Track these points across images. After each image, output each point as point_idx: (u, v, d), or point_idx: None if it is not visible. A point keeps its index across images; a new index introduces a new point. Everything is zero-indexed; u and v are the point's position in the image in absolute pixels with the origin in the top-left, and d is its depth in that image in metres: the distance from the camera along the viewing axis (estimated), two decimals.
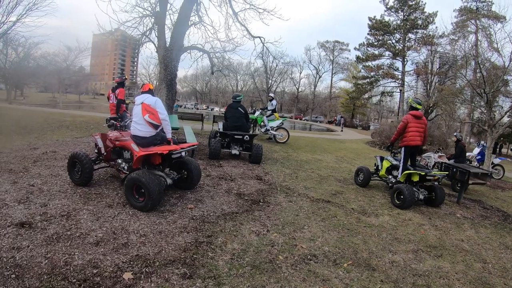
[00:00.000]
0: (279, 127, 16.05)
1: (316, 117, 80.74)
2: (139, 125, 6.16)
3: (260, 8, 15.11)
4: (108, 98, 11.02)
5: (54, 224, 4.76)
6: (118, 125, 7.04)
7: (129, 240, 4.48)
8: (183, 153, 6.46)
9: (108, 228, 4.80)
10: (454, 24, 45.28)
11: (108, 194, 6.25)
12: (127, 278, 3.62)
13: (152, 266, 3.91)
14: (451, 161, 11.93)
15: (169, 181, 6.33)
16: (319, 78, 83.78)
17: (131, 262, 3.95)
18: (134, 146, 6.12)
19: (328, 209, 6.92)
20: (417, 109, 8.54)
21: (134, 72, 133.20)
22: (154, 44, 15.11)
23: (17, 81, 51.37)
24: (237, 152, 10.57)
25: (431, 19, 52.49)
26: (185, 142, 8.80)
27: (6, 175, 6.90)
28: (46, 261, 3.80)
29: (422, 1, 53.56)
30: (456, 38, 43.40)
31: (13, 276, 3.49)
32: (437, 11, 52.68)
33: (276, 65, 76.77)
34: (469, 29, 42.57)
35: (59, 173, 7.26)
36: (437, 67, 49.94)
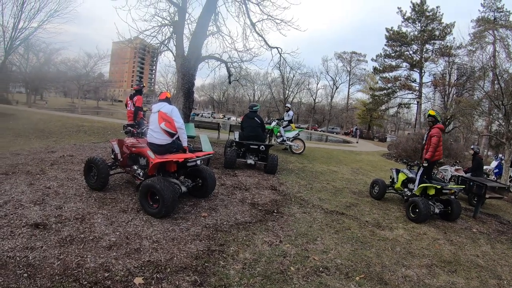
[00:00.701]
0: (295, 138, 15.99)
1: (333, 128, 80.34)
2: (155, 133, 6.23)
3: (278, 19, 15.15)
4: (126, 105, 11.15)
5: (68, 226, 4.83)
6: (135, 132, 7.11)
7: (142, 246, 4.51)
8: (198, 162, 6.50)
9: (121, 232, 4.84)
10: (471, 35, 44.19)
11: (122, 199, 6.31)
12: (138, 283, 3.65)
13: (163, 272, 3.93)
14: (468, 175, 11.76)
15: (183, 188, 6.35)
16: (336, 89, 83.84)
17: (143, 267, 3.97)
18: (150, 153, 6.19)
19: (342, 221, 6.87)
20: (438, 121, 8.47)
21: (152, 80, 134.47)
22: (172, 53, 15.24)
23: (37, 85, 52.40)
24: (253, 162, 10.56)
25: (449, 29, 51.57)
26: (201, 150, 8.84)
27: (23, 177, 7.02)
28: (59, 262, 3.86)
29: (439, 12, 52.75)
30: (474, 49, 42.47)
31: (25, 275, 3.55)
32: (455, 22, 51.89)
33: (293, 76, 77.08)
34: (486, 39, 41.62)
35: (75, 177, 7.35)
36: (455, 79, 49.15)
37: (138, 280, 3.69)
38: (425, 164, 8.42)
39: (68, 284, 3.48)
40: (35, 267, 3.72)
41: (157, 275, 3.85)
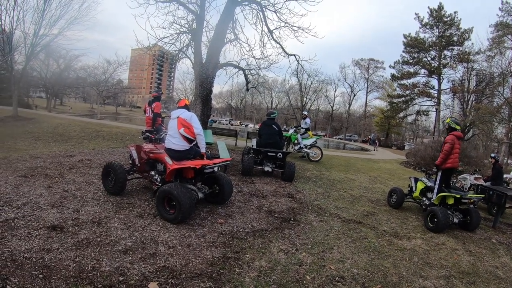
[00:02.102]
0: (312, 146, 15.93)
1: (351, 136, 79.71)
2: (174, 139, 6.26)
3: (295, 26, 15.12)
4: (145, 111, 11.24)
5: (85, 229, 4.87)
6: (153, 138, 7.14)
7: (157, 251, 4.50)
8: (215, 168, 6.50)
9: (138, 237, 4.84)
10: (490, 40, 42.64)
11: (139, 204, 6.34)
12: None
13: (178, 278, 3.91)
14: (488, 183, 11.51)
15: (200, 195, 6.37)
16: (354, 96, 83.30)
17: (158, 273, 3.96)
18: (168, 159, 6.21)
19: (359, 230, 6.77)
20: (456, 129, 8.35)
21: (171, 86, 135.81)
22: (191, 60, 15.33)
23: (57, 90, 53.30)
24: (270, 169, 10.55)
25: (467, 35, 50.69)
26: (219, 157, 8.85)
27: (41, 179, 7.14)
28: (74, 264, 3.88)
29: (457, 17, 51.84)
30: (493, 54, 41.32)
31: (40, 276, 3.58)
32: (473, 27, 50.80)
33: (311, 83, 76.80)
34: (506, 44, 40.18)
35: (93, 181, 7.43)
36: (474, 85, 48.27)
37: (153, 285, 3.68)
38: (434, 170, 8.42)
39: (83, 287, 3.49)
40: (50, 268, 3.74)
41: (172, 281, 3.83)
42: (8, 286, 3.34)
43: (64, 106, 71.44)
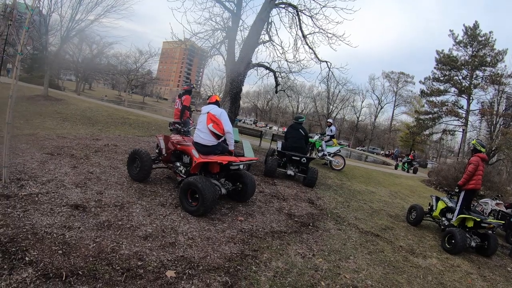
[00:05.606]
0: (336, 154, 15.82)
1: (374, 149, 78.81)
2: (202, 133, 6.31)
3: (329, 33, 15.01)
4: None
5: (107, 212, 4.95)
6: (182, 130, 7.19)
7: (177, 241, 4.54)
8: (241, 166, 6.51)
9: (158, 225, 4.90)
10: None
11: (162, 193, 6.40)
12: (170, 276, 3.67)
13: (196, 269, 3.94)
14: (509, 210, 11.27)
15: (223, 191, 6.41)
16: (381, 109, 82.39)
17: (176, 262, 4.00)
18: (195, 152, 6.26)
19: (376, 243, 6.71)
20: (481, 151, 8.23)
21: (199, 82, 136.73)
22: (223, 57, 15.37)
23: (87, 75, 54.24)
24: (292, 173, 10.50)
25: (501, 57, 48.98)
26: (243, 155, 8.84)
27: (67, 159, 7.29)
28: (94, 244, 3.95)
29: (492, 38, 50.23)
30: None
31: (60, 252, 3.65)
32: (507, 49, 49.12)
33: (339, 91, 76.33)
34: None
35: (118, 166, 7.54)
36: (503, 109, 46.90)
37: (170, 273, 3.72)
38: (456, 190, 8.34)
39: (101, 267, 3.54)
40: (70, 245, 3.81)
41: (189, 271, 3.86)
42: (26, 258, 3.40)
43: (93, 91, 72.63)
